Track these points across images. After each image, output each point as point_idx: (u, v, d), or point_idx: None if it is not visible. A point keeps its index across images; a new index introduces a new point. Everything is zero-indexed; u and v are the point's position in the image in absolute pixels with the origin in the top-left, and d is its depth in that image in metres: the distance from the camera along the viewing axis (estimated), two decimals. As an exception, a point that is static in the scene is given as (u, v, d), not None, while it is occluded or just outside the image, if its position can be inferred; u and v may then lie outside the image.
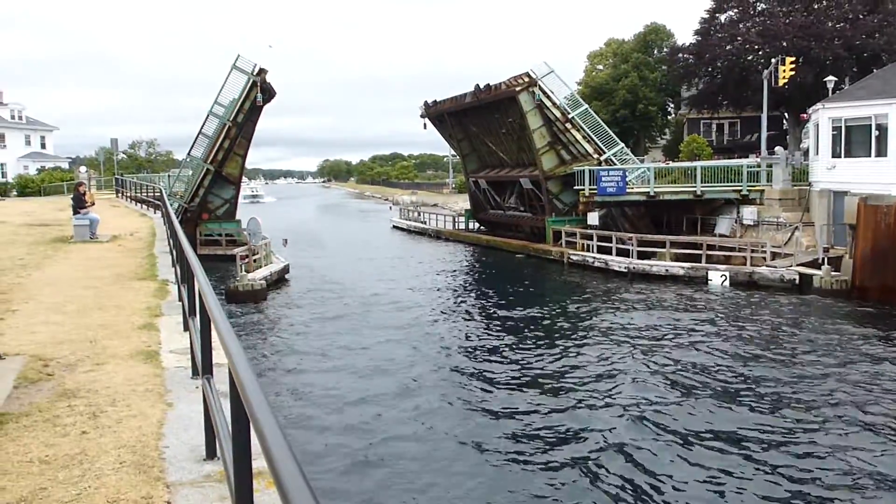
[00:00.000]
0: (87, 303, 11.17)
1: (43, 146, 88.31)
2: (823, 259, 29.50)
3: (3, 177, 73.58)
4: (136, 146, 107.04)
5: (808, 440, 14.23)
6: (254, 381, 2.60)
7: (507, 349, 22.04)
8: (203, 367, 5.07)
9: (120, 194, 46.10)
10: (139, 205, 37.95)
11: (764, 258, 32.73)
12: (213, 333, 4.48)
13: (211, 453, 5.07)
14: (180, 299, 9.57)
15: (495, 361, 20.68)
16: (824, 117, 33.80)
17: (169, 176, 53.79)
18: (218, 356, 5.32)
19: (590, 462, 13.37)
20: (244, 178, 63.56)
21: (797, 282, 29.88)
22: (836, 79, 41.45)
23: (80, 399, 6.50)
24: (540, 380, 18.74)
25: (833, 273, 28.72)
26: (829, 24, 51.82)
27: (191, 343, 6.81)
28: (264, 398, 2.42)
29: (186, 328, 8.08)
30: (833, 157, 33.40)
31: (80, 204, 22.09)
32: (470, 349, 22.47)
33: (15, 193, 54.19)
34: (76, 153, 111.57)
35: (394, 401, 17.18)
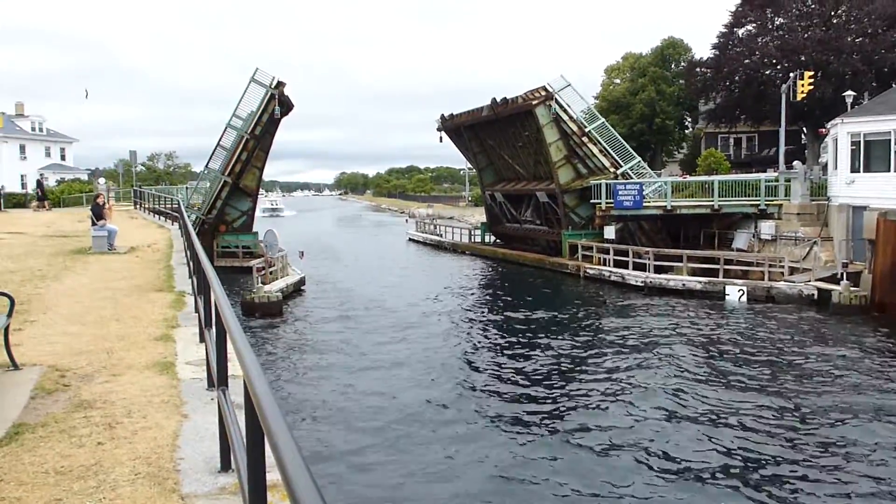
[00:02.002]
0: (104, 314, 11.23)
1: (63, 158, 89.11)
2: (842, 274, 29.25)
3: (23, 188, 74.21)
4: (154, 158, 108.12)
5: (825, 457, 14.07)
6: (269, 393, 2.59)
7: (524, 364, 21.95)
8: (218, 378, 5.07)
9: (138, 206, 46.40)
10: (157, 216, 38.19)
11: (782, 273, 32.48)
12: (229, 345, 4.48)
13: (226, 465, 5.06)
14: (197, 311, 9.60)
15: (513, 377, 20.61)
16: (843, 132, 33.58)
17: (187, 188, 54.14)
18: (233, 368, 5.32)
19: (602, 473, 13.28)
20: (261, 191, 63.83)
21: (815, 297, 29.63)
22: (854, 93, 41.21)
23: (96, 410, 6.52)
24: (558, 394, 18.64)
25: (852, 288, 28.47)
26: (849, 39, 51.55)
27: (206, 354, 6.82)
28: (279, 411, 2.41)
29: (202, 340, 8.11)
30: (852, 171, 33.16)
31: (98, 215, 22.27)
32: (485, 364, 22.41)
33: (35, 205, 54.72)
34: (95, 165, 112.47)
35: (410, 414, 17.14)
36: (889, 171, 31.44)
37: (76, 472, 5.15)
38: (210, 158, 45.97)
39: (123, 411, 6.47)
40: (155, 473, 5.10)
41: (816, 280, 30.59)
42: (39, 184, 49.43)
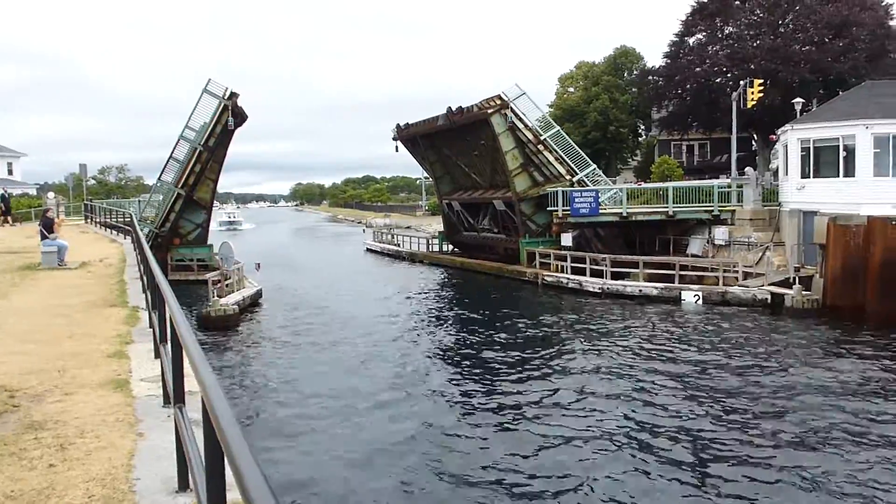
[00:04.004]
0: (56, 331, 10.94)
1: (10, 172, 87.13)
2: (794, 278, 29.79)
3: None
4: (105, 171, 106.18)
5: (775, 455, 14.26)
6: (228, 409, 2.51)
7: (482, 371, 21.92)
8: (175, 395, 4.95)
9: (89, 220, 45.53)
10: (109, 231, 37.48)
11: (736, 278, 32.99)
12: (186, 361, 4.36)
13: (184, 485, 4.92)
14: (151, 326, 9.39)
15: (471, 384, 20.56)
16: (793, 138, 34.28)
17: (139, 201, 53.27)
18: (190, 384, 5.19)
19: (556, 479, 13.30)
20: (216, 203, 62.82)
21: (769, 301, 30.14)
22: (803, 101, 42.13)
23: (47, 431, 6.32)
24: (515, 400, 18.63)
25: (804, 292, 29.01)
26: (796, 48, 52.76)
27: (162, 371, 6.67)
28: (238, 428, 2.34)
29: (157, 356, 7.93)
30: (802, 177, 33.85)
31: (48, 229, 21.79)
32: (445, 372, 22.34)
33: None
34: (45, 179, 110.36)
35: (369, 426, 16.99)
36: (838, 176, 32.17)
37: (27, 496, 4.97)
38: (163, 171, 45.28)
39: (76, 431, 6.28)
40: (110, 495, 4.95)
41: (769, 284, 31.12)
42: (3, 198, 48.24)
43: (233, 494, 3.10)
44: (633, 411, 17.47)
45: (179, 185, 44.07)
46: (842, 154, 31.98)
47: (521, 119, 43.58)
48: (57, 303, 13.79)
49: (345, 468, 14.33)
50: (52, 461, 5.59)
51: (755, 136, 58.23)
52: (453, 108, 46.39)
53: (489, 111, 43.14)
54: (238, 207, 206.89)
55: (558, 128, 46.19)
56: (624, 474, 13.68)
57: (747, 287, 31.56)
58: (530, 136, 43.59)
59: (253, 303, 34.89)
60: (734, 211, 37.83)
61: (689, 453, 14.68)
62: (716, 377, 20.45)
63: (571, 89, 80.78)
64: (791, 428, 16.03)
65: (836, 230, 28.46)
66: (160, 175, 45.65)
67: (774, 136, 40.33)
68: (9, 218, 46.96)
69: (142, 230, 40.60)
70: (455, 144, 49.93)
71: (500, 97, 43.71)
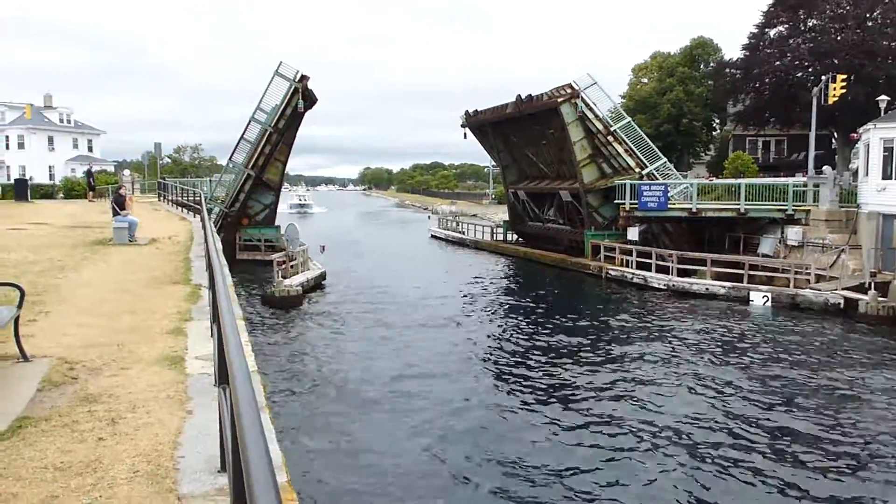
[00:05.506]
0: (119, 306, 11.18)
1: (90, 149, 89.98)
2: (870, 283, 28.70)
3: (51, 179, 74.96)
4: (181, 151, 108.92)
5: (845, 467, 13.78)
6: (250, 397, 2.45)
7: (543, 364, 21.75)
8: (220, 375, 4.95)
9: (162, 198, 46.68)
10: (180, 209, 38.34)
11: (808, 280, 31.96)
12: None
13: (225, 465, 4.94)
14: (210, 304, 9.51)
15: (532, 377, 20.41)
16: (875, 137, 32.96)
17: (210, 180, 54.36)
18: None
19: (621, 478, 13.08)
20: (287, 185, 63.66)
21: (842, 306, 29.09)
22: (888, 98, 40.44)
23: (100, 404, 6.43)
24: (576, 396, 18.44)
25: (880, 299, 27.88)
26: (884, 43, 50.69)
27: (213, 350, 6.72)
28: (258, 418, 2.27)
29: (213, 334, 8.01)
30: (883, 178, 32.51)
31: (120, 206, 22.34)
32: (506, 363, 22.24)
33: (62, 195, 55.14)
34: (123, 157, 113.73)
35: (425, 414, 17.00)
36: (921, 178, 30.83)
37: (75, 468, 5.06)
38: (234, 151, 46.13)
39: (128, 406, 6.38)
40: (154, 472, 5.00)
41: (843, 289, 30.05)
42: (89, 173, 49.92)
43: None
44: (694, 414, 17.09)
45: (249, 167, 44.83)
46: (927, 155, 30.64)
47: (591, 109, 42.93)
48: (123, 278, 14.11)
49: (391, 459, 14.36)
50: (102, 435, 5.68)
51: (835, 134, 56.28)
52: (522, 96, 46.03)
53: (559, 100, 42.64)
54: (308, 190, 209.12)
55: (629, 119, 45.35)
56: (676, 476, 13.39)
57: (819, 290, 30.53)
58: (600, 127, 42.93)
59: (317, 284, 35.32)
60: (809, 211, 36.59)
61: (744, 462, 14.29)
62: (782, 384, 19.85)
63: (645, 80, 79.40)
64: (861, 443, 15.47)
65: (916, 234, 27.32)
66: (231, 156, 46.56)
67: (855, 135, 38.81)
68: (89, 193, 48.47)
69: (213, 209, 41.53)
70: (523, 133, 49.55)
71: (570, 86, 43.13)
